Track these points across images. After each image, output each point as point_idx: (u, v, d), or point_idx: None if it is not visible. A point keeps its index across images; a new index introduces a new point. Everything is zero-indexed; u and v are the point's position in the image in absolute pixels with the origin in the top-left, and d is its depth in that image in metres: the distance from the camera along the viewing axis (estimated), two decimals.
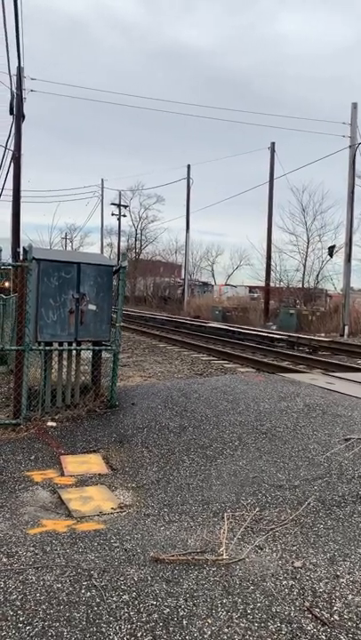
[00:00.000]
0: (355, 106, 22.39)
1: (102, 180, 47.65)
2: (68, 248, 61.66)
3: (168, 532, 3.63)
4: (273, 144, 28.54)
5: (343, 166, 22.57)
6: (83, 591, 2.82)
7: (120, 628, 2.52)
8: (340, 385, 8.27)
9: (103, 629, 2.50)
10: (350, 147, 22.28)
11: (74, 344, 6.71)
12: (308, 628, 2.53)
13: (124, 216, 51.06)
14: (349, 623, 2.56)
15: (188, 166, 36.82)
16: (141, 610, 2.66)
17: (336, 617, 2.61)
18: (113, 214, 49.60)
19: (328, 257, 30.49)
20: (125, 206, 51.42)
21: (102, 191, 47.09)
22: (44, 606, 2.67)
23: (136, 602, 2.73)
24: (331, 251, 27.13)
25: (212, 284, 54.14)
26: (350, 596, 2.79)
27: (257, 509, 3.92)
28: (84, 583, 2.90)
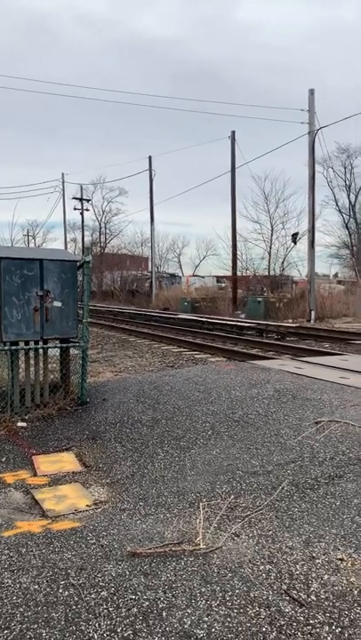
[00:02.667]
0: (312, 92, 22.60)
1: (63, 174, 47.01)
2: (31, 245, 60.76)
3: (144, 526, 3.62)
4: (233, 133, 28.62)
5: (304, 153, 22.81)
6: (60, 591, 2.79)
7: (100, 624, 2.50)
8: (309, 369, 8.38)
9: (82, 627, 2.48)
10: (309, 133, 22.50)
11: (40, 342, 6.62)
12: (286, 610, 2.56)
13: (87, 210, 50.59)
14: (326, 603, 2.60)
15: (150, 157, 36.66)
16: (120, 605, 2.65)
17: (313, 597, 2.65)
18: (75, 209, 49.04)
19: (292, 244, 30.88)
20: (88, 200, 50.93)
21: (63, 185, 46.52)
22: (21, 609, 2.63)
23: (115, 597, 2.72)
24: (294, 238, 27.45)
25: (180, 275, 54.19)
26: (326, 576, 2.84)
27: (232, 497, 3.95)
28: (62, 582, 2.87)
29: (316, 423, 5.44)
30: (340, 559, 3.00)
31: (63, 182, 46.52)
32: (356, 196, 40.19)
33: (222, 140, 29.19)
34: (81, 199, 48.87)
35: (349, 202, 40.43)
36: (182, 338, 15.30)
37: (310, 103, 22.49)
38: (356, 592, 2.67)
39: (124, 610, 2.61)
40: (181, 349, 13.25)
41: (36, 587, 2.83)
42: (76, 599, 2.71)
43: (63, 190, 46.63)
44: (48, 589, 2.80)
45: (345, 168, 39.94)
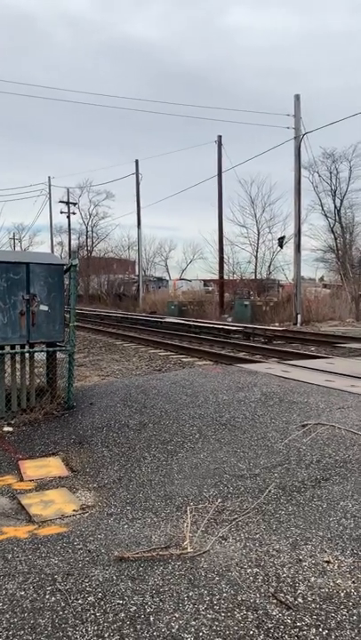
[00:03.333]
0: (297, 97, 22.77)
1: (49, 177, 46.81)
2: (17, 248, 60.40)
3: (132, 530, 3.61)
4: (220, 137, 28.75)
5: (290, 158, 22.95)
6: (47, 596, 2.77)
7: (87, 630, 2.49)
8: (296, 372, 8.43)
9: (69, 633, 2.47)
10: (295, 138, 22.66)
11: (26, 346, 6.58)
12: (274, 613, 2.56)
13: (74, 214, 50.33)
14: (313, 605, 2.61)
15: (137, 161, 36.68)
16: (108, 610, 2.64)
17: (300, 600, 2.66)
18: (62, 212, 48.84)
19: (278, 248, 31.00)
20: (74, 204, 50.70)
21: (50, 189, 46.32)
22: (7, 615, 2.61)
23: (102, 602, 2.70)
24: (281, 242, 27.58)
25: (167, 279, 54.20)
26: (313, 579, 2.85)
27: (219, 500, 3.95)
28: (48, 588, 2.85)
29: (303, 426, 5.46)
30: (326, 561, 3.01)
31: (50, 186, 46.36)
32: (342, 201, 40.50)
33: (209, 144, 29.33)
34: (67, 202, 48.71)
35: (335, 206, 40.74)
36: (169, 341, 15.29)
37: (296, 108, 22.66)
38: (342, 594, 2.68)
39: (111, 615, 2.59)
40: (168, 353, 13.24)
41: (23, 593, 2.81)
42: (62, 605, 2.69)
43: (50, 194, 46.46)
44: (34, 595, 2.78)
45: (330, 173, 40.24)
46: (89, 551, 3.30)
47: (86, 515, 3.97)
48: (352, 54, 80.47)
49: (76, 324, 6.97)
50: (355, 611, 2.55)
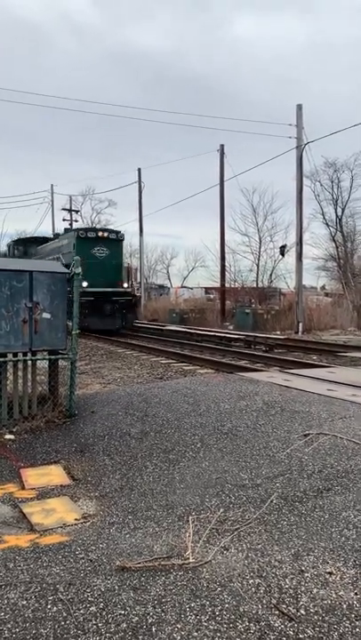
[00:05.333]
0: (300, 107, 22.88)
1: (52, 185, 47.01)
2: None
3: (133, 540, 3.61)
4: (222, 146, 28.86)
5: (292, 167, 23.04)
6: (49, 606, 2.77)
7: None
8: (297, 381, 8.42)
9: None
10: (297, 147, 22.75)
11: (29, 354, 6.59)
12: (276, 624, 2.56)
13: (76, 221, 50.34)
14: (315, 617, 2.61)
15: (139, 170, 36.81)
16: (110, 620, 2.63)
17: (302, 611, 2.65)
18: (64, 219, 48.95)
19: (280, 256, 31.08)
20: (77, 211, 50.76)
21: (52, 197, 46.50)
22: (9, 625, 2.61)
23: (104, 613, 2.70)
24: (282, 250, 27.63)
25: (169, 286, 54.23)
26: (315, 590, 2.84)
27: (221, 510, 3.95)
28: (50, 598, 2.85)
29: (305, 436, 5.46)
30: (329, 573, 3.01)
31: (52, 193, 46.55)
32: (343, 210, 40.58)
33: (212, 153, 29.46)
34: (70, 210, 48.80)
35: (336, 215, 40.82)
36: (171, 349, 15.29)
37: (298, 118, 22.76)
38: (345, 606, 2.68)
39: (113, 625, 2.59)
40: (170, 361, 13.24)
41: (25, 602, 2.81)
42: (64, 615, 2.69)
43: (52, 201, 46.62)
44: (36, 605, 2.78)
45: (332, 182, 40.34)
46: (91, 560, 3.29)
47: (88, 524, 3.97)
48: (356, 63, 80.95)
49: (78, 331, 6.98)
50: (357, 623, 2.55)
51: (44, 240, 27.22)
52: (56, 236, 25.73)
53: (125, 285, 21.46)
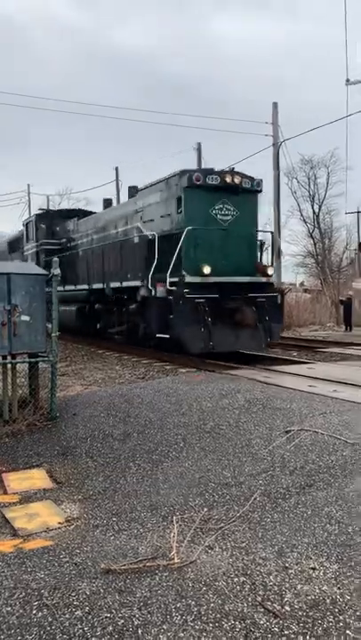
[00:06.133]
0: (275, 105, 23.03)
1: (28, 185, 46.51)
2: None
3: (118, 542, 3.60)
4: (199, 144, 28.90)
5: (269, 165, 23.17)
6: (34, 612, 2.75)
7: None
8: (278, 378, 8.48)
9: None
10: (273, 145, 22.90)
11: (8, 357, 6.53)
12: (262, 622, 2.58)
13: None
14: (300, 612, 2.63)
15: (117, 168, 36.65)
16: (95, 624, 2.63)
17: (287, 608, 2.68)
18: None
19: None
20: (60, 210, 50.42)
21: (29, 196, 46.05)
22: None
23: (89, 616, 2.69)
24: (261, 247, 27.74)
25: None
26: (299, 586, 2.87)
27: (205, 509, 3.96)
28: (35, 603, 2.83)
29: (287, 432, 5.50)
30: (312, 568, 3.04)
31: (29, 193, 46.10)
32: (320, 206, 41.01)
33: (190, 151, 29.44)
34: (47, 210, 48.42)
35: (313, 212, 41.22)
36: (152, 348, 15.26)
37: (274, 116, 22.90)
38: (328, 601, 2.71)
39: (99, 629, 2.58)
40: (151, 360, 13.22)
41: (9, 609, 2.78)
42: (50, 620, 2.68)
43: (29, 201, 46.17)
44: (21, 611, 2.76)
45: (309, 179, 40.74)
46: (75, 564, 3.28)
47: (72, 527, 3.95)
48: (332, 63, 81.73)
49: (58, 333, 6.94)
50: (341, 617, 2.58)
51: (84, 213, 19.92)
52: (133, 192, 15.36)
53: (270, 272, 12.39)
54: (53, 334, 6.75)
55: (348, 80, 20.68)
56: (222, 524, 3.69)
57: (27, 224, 21.63)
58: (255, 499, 4.06)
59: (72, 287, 16.80)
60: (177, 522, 3.76)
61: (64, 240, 19.45)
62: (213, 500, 4.14)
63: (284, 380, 8.35)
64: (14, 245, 24.90)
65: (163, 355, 12.97)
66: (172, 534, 3.53)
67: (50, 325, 6.89)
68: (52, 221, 20.42)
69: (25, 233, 21.68)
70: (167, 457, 5.22)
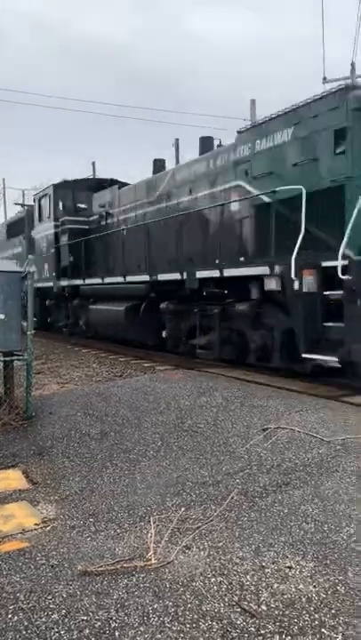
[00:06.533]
0: (253, 102, 23.13)
1: (3, 179, 45.94)
2: None
3: (95, 543, 3.58)
4: (177, 140, 28.82)
5: None
6: (9, 616, 2.72)
7: None
8: (255, 375, 8.52)
9: None
10: None
11: None
12: (238, 621, 2.59)
13: None
14: (276, 612, 2.65)
15: (93, 163, 36.38)
16: (72, 627, 2.61)
17: (264, 607, 2.70)
18: (18, 214, 47.98)
19: None
20: (30, 206, 49.90)
21: (5, 191, 45.46)
22: None
23: (66, 619, 2.67)
24: None
25: None
26: (276, 585, 2.89)
27: (183, 509, 3.96)
28: (11, 607, 2.80)
29: (264, 430, 5.54)
30: (288, 567, 3.06)
31: (4, 187, 45.48)
32: None
33: (168, 148, 29.42)
34: (23, 205, 47.81)
35: None
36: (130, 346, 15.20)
37: (252, 113, 22.98)
38: (304, 600, 2.74)
39: (75, 632, 2.57)
40: (129, 358, 13.17)
41: None
42: (25, 624, 2.65)
43: (4, 196, 45.67)
44: None
45: None
46: (52, 566, 3.25)
47: (48, 528, 3.92)
48: (307, 60, 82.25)
49: (33, 331, 6.86)
50: (316, 616, 2.61)
51: (118, 183, 15.03)
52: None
53: None
54: (29, 332, 6.67)
55: (324, 78, 20.84)
56: (200, 524, 3.70)
57: (39, 199, 16.84)
58: (232, 498, 4.07)
59: (114, 279, 12.37)
60: (154, 522, 3.75)
61: (95, 217, 14.80)
62: (191, 500, 4.14)
63: (262, 376, 8.38)
64: (16, 229, 21.38)
65: (140, 352, 12.93)
66: (150, 535, 3.53)
67: (25, 323, 6.81)
68: (76, 193, 15.53)
69: (36, 211, 17.04)
70: (145, 456, 5.21)
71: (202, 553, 3.30)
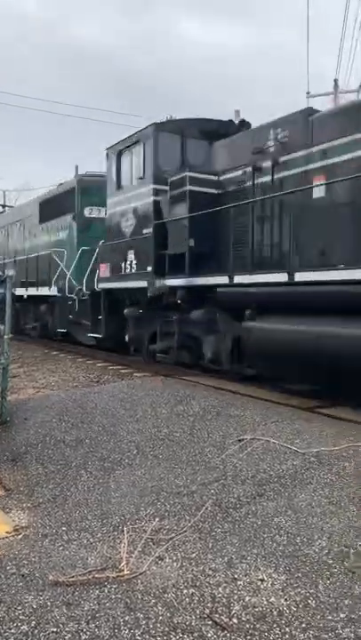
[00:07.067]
0: (238, 113, 23.28)
1: None
2: None
3: (67, 552, 3.56)
4: None
5: None
6: None
7: None
8: (233, 385, 8.54)
9: None
10: None
11: None
12: (209, 635, 2.59)
13: None
14: (247, 625, 2.66)
15: (77, 167, 36.28)
16: (42, 639, 2.58)
17: (235, 620, 2.70)
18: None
19: None
20: (11, 207, 49.44)
21: None
22: None
23: (36, 631, 2.64)
24: None
25: None
26: (247, 598, 2.90)
27: (157, 519, 3.95)
28: None
29: (240, 441, 5.56)
30: (260, 579, 3.08)
31: None
32: None
33: None
34: (4, 205, 47.41)
35: None
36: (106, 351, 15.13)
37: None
38: (275, 613, 2.75)
39: None
40: (106, 363, 13.11)
41: None
42: None
43: None
44: None
45: None
46: (22, 576, 3.22)
47: (20, 536, 3.88)
48: (292, 68, 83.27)
49: (10, 335, 6.81)
50: (287, 629, 2.62)
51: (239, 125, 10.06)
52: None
53: None
54: (6, 336, 6.61)
55: (308, 93, 21.15)
56: (173, 535, 3.69)
57: (120, 153, 10.60)
58: (207, 508, 4.08)
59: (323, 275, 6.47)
60: (128, 532, 3.73)
61: (235, 174, 8.68)
62: (165, 510, 4.13)
63: (239, 386, 8.41)
64: (54, 208, 15.43)
65: (118, 358, 12.88)
66: (123, 545, 3.51)
67: (1, 327, 6.75)
68: (188, 139, 9.75)
69: (113, 172, 10.91)
70: (120, 464, 5.19)
71: (175, 564, 3.29)
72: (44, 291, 14.60)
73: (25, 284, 15.88)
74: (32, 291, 15.64)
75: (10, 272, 6.67)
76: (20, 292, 15.38)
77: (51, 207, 15.69)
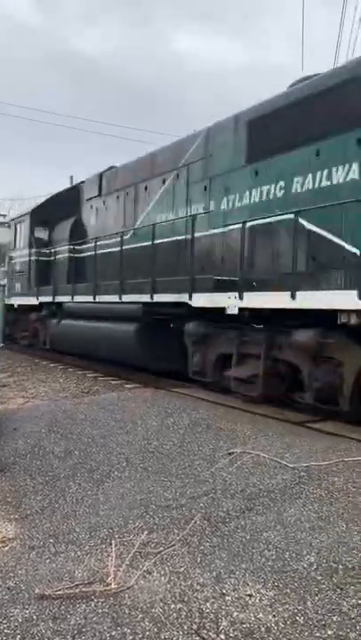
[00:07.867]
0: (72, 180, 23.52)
1: None
2: None
3: (54, 565, 3.52)
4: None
5: None
6: None
7: None
8: (224, 397, 8.53)
9: None
10: None
11: None
12: None
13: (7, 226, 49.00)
14: None
15: (71, 177, 36.39)
16: None
17: (222, 636, 2.68)
18: None
19: None
20: (4, 215, 49.38)
21: None
22: None
23: None
24: None
25: None
26: (235, 613, 2.88)
27: (145, 533, 3.93)
28: None
29: (230, 454, 5.54)
30: (248, 595, 3.06)
31: None
32: None
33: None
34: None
35: None
36: (97, 362, 15.08)
37: None
38: (263, 629, 2.73)
39: None
40: (97, 374, 13.06)
41: None
42: None
43: None
44: None
45: None
46: (8, 588, 3.18)
47: (6, 548, 3.84)
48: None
49: (2, 344, 6.78)
50: None
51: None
52: None
53: None
54: None
55: None
56: (162, 548, 3.67)
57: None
58: (195, 522, 4.06)
59: None
60: (116, 545, 3.71)
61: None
62: (154, 523, 4.11)
63: (230, 398, 8.40)
64: (72, 197, 14.06)
65: (109, 369, 12.83)
66: (111, 558, 3.48)
67: None
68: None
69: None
70: (109, 477, 5.16)
71: (163, 578, 3.27)
72: None
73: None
74: None
75: (2, 282, 6.66)
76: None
77: (69, 197, 14.63)
